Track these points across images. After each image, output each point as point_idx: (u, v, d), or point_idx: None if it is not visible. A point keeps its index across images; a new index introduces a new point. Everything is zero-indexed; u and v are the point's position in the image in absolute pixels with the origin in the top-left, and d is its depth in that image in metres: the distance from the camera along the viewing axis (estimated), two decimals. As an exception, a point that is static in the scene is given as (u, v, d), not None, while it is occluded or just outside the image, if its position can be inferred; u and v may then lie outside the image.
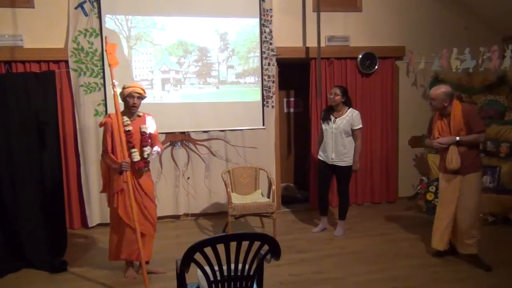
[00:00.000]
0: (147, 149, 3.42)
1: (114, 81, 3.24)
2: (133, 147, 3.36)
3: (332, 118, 4.32)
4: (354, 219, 4.95)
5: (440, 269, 3.61)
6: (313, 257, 3.93)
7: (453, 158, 3.50)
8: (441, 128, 3.63)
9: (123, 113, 3.35)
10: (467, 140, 3.49)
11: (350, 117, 4.27)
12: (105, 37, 3.43)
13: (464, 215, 3.57)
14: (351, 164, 4.34)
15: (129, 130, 3.35)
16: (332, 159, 4.32)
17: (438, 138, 3.62)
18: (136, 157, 3.36)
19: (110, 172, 3.41)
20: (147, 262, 3.54)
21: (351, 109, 4.34)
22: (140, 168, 3.40)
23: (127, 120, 3.37)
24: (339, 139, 4.27)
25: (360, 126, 4.31)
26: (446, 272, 3.56)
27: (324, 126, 4.38)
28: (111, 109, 4.77)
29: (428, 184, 5.13)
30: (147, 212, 3.49)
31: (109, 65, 3.23)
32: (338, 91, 4.28)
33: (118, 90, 3.31)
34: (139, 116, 3.47)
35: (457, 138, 3.49)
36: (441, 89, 3.55)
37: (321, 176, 4.51)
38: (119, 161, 3.25)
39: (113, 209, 3.44)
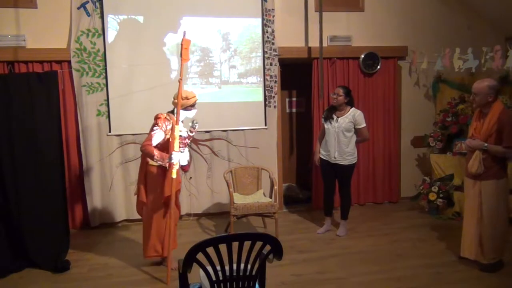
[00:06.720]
0: (185, 151, 3.70)
1: (181, 78, 3.35)
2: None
3: (335, 117, 4.32)
4: (356, 219, 4.94)
5: (443, 269, 3.60)
6: (316, 257, 3.92)
7: (475, 163, 3.34)
8: (476, 128, 3.42)
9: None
10: (493, 151, 3.30)
11: (353, 116, 4.28)
12: (184, 32, 3.44)
13: (486, 223, 3.42)
14: (354, 162, 4.36)
15: (181, 136, 3.56)
16: (335, 157, 4.32)
17: (471, 137, 3.44)
18: (184, 161, 3.61)
19: (154, 170, 3.51)
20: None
21: (353, 108, 4.34)
22: (186, 171, 3.66)
23: (181, 125, 3.56)
24: (341, 137, 4.28)
25: (364, 125, 4.31)
26: (449, 272, 3.55)
27: (326, 125, 4.38)
28: (113, 109, 4.79)
29: (430, 184, 5.12)
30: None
31: (182, 59, 3.33)
32: (341, 91, 4.29)
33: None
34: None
35: (485, 145, 3.30)
36: (485, 83, 3.29)
37: (325, 175, 4.50)
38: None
39: (155, 204, 3.52)
